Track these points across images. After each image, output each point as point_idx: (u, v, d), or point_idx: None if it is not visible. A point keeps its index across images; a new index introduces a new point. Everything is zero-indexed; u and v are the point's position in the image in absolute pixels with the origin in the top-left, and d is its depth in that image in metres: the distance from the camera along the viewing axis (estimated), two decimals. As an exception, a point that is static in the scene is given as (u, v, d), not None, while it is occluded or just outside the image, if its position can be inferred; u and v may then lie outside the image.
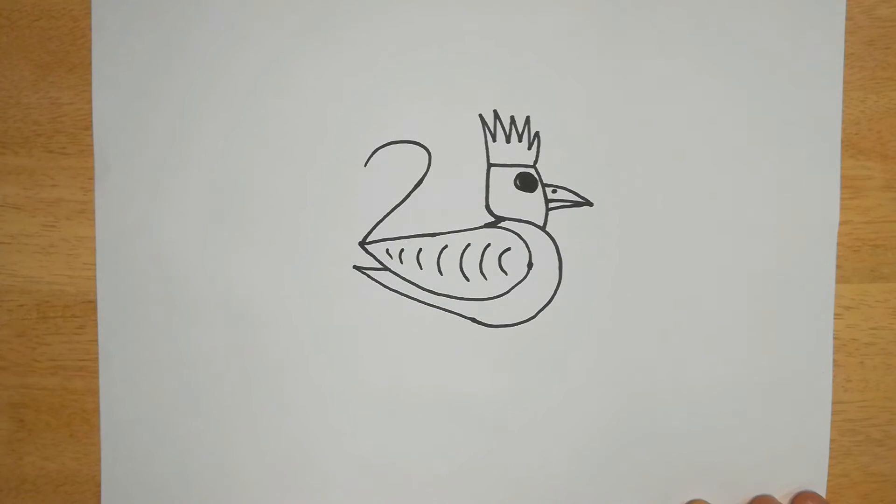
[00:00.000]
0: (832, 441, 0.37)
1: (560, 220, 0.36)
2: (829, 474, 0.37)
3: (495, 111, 0.36)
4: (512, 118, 0.36)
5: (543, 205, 0.36)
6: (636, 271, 0.36)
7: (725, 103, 0.36)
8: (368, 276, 0.36)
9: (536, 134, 0.36)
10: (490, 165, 0.36)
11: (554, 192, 0.36)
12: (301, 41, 0.36)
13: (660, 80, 0.36)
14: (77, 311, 0.37)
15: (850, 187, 0.36)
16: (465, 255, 0.36)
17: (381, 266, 0.36)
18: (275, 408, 0.36)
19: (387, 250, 0.36)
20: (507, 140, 0.36)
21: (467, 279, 0.36)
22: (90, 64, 0.36)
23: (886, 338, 0.37)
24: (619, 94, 0.36)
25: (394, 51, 0.36)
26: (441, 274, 0.36)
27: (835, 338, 0.37)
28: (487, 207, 0.36)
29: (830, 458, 0.37)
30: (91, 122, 0.36)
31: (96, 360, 0.37)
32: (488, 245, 0.36)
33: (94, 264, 0.36)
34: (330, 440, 0.36)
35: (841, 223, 0.36)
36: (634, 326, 0.36)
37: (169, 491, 0.36)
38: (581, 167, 0.36)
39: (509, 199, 0.36)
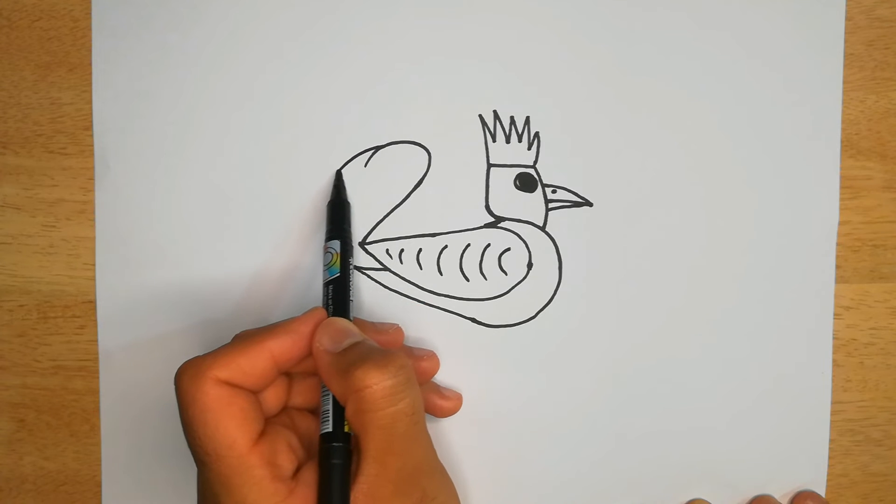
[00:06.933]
0: (831, 441, 0.37)
1: (560, 220, 0.36)
2: (829, 474, 0.37)
3: (495, 111, 0.36)
4: (512, 118, 0.36)
5: (543, 205, 0.36)
6: (636, 271, 0.36)
7: (725, 103, 0.36)
8: (368, 276, 0.36)
9: (536, 134, 0.36)
10: (490, 166, 0.36)
11: (554, 192, 0.36)
12: (301, 41, 0.36)
13: (660, 80, 0.36)
14: (77, 311, 0.37)
15: (850, 187, 0.36)
16: (464, 255, 0.36)
17: (381, 266, 0.36)
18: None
19: (387, 250, 0.36)
20: (507, 140, 0.36)
21: (467, 279, 0.36)
22: (90, 64, 0.36)
23: (886, 338, 0.37)
24: (619, 94, 0.36)
25: (393, 50, 0.36)
26: (441, 274, 0.36)
27: (834, 338, 0.37)
28: (487, 208, 0.36)
29: (830, 457, 0.37)
30: (91, 122, 0.36)
31: (96, 360, 0.37)
32: (488, 245, 0.36)
33: (94, 264, 0.36)
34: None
35: (840, 223, 0.36)
36: (634, 326, 0.36)
37: (169, 491, 0.36)
38: (581, 167, 0.36)
39: (509, 200, 0.36)
